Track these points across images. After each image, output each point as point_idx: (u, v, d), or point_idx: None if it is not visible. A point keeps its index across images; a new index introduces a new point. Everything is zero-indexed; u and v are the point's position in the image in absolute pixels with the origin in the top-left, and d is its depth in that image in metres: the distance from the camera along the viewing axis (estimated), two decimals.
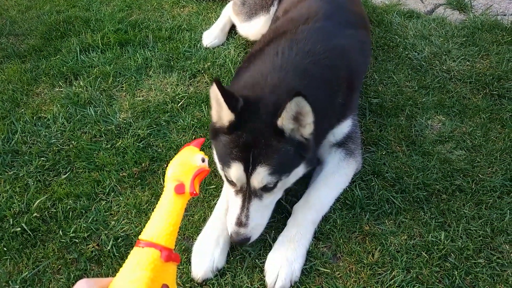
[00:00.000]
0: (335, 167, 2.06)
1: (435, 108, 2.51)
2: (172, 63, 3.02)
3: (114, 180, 2.20)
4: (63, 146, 2.40)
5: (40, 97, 2.80)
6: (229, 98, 1.66)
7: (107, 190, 2.16)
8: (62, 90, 2.81)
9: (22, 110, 2.67)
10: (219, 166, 1.86)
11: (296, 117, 1.66)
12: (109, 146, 2.40)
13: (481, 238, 1.84)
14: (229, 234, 1.80)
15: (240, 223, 1.75)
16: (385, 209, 1.99)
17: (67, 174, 2.24)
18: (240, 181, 1.74)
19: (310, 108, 1.62)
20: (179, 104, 2.65)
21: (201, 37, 3.25)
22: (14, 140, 2.43)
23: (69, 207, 2.06)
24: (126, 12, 3.67)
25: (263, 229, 1.84)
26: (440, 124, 2.42)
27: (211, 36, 3.20)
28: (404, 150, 2.27)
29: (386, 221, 1.95)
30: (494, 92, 2.58)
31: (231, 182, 1.79)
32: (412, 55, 2.92)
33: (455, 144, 2.28)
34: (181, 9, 3.69)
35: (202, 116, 2.56)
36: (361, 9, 2.81)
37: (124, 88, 2.84)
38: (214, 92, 1.68)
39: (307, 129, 1.72)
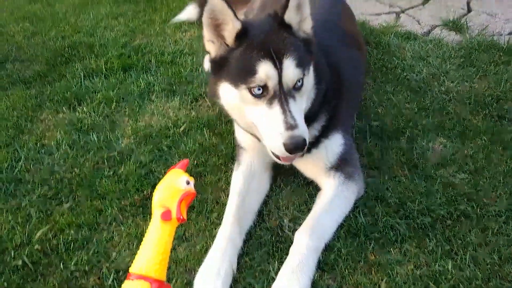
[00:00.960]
0: (334, 192, 1.96)
1: (436, 130, 2.42)
2: (174, 87, 2.96)
3: (116, 209, 2.10)
4: (65, 174, 2.31)
5: (44, 123, 2.72)
6: (232, 7, 1.60)
7: (109, 220, 2.05)
8: (65, 116, 2.74)
9: (26, 137, 2.60)
10: (233, 94, 1.66)
11: (298, 8, 1.63)
12: (111, 173, 2.32)
13: (489, 266, 1.73)
14: (278, 148, 1.58)
15: (290, 127, 1.54)
16: (390, 236, 1.88)
17: (69, 203, 2.14)
18: (273, 80, 1.57)
19: None
20: (181, 128, 2.58)
21: (202, 61, 3.18)
22: (17, 168, 2.35)
23: (70, 238, 1.96)
24: (129, 37, 3.64)
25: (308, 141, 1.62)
26: (441, 146, 2.33)
27: None
28: (407, 174, 2.17)
29: (391, 249, 1.84)
30: (494, 113, 2.49)
31: (258, 92, 1.59)
32: (410, 76, 2.84)
33: (457, 167, 2.19)
34: (183, 34, 3.65)
35: (203, 141, 2.48)
36: (355, 30, 2.75)
37: (127, 113, 2.77)
38: (215, 6, 1.57)
39: (307, 23, 1.68)
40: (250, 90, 1.63)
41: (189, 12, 3.75)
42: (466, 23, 3.44)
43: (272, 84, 1.59)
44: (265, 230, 1.97)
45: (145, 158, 2.38)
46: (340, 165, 2.02)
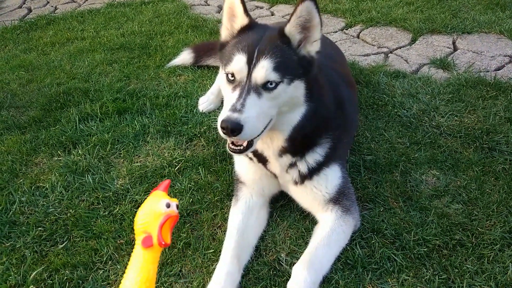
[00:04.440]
0: (332, 225, 2.04)
1: (428, 163, 2.55)
2: (169, 128, 3.09)
3: (112, 248, 2.17)
4: (60, 215, 2.39)
5: (39, 166, 2.83)
6: (244, 4, 1.86)
7: (105, 259, 2.12)
8: (60, 159, 2.85)
9: (21, 180, 2.69)
10: (222, 73, 1.87)
11: (304, 27, 1.74)
12: (106, 213, 2.40)
13: None
14: (219, 125, 1.68)
15: (234, 109, 1.66)
16: (387, 267, 1.96)
17: (64, 244, 2.21)
18: (240, 73, 1.74)
19: (319, 20, 1.72)
20: (176, 168, 2.68)
21: (197, 103, 3.35)
22: (12, 211, 2.43)
23: (66, 278, 2.01)
24: (124, 82, 3.81)
25: (256, 135, 1.74)
26: (434, 178, 2.45)
27: (207, 102, 3.30)
28: (402, 206, 2.27)
29: (389, 279, 1.91)
30: (485, 145, 2.63)
31: (231, 78, 1.78)
32: (401, 112, 3.01)
33: (451, 198, 2.30)
34: (177, 78, 3.84)
35: (199, 179, 2.58)
36: (347, 71, 2.94)
37: (122, 155, 2.88)
38: (233, 1, 1.87)
39: (314, 46, 1.80)
40: (226, 74, 1.83)
41: (184, 57, 3.95)
42: (453, 61, 3.67)
43: (239, 76, 1.77)
44: (262, 264, 2.04)
45: (141, 197, 2.47)
46: (338, 198, 2.11)
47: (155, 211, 1.16)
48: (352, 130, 2.56)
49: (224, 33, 1.96)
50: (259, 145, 2.03)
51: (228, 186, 2.50)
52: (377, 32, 4.51)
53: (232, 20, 1.92)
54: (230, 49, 1.84)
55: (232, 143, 1.83)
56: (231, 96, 1.76)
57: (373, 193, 2.37)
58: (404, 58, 3.90)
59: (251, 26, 1.88)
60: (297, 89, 1.81)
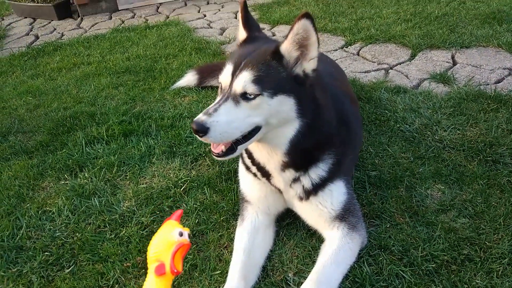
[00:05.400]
0: (339, 243, 2.00)
1: (433, 177, 2.51)
2: (174, 149, 3.08)
3: (118, 271, 2.13)
4: (67, 239, 2.36)
5: (45, 191, 2.82)
6: (246, 18, 1.97)
7: (111, 282, 2.08)
8: (67, 183, 2.84)
9: (28, 205, 2.67)
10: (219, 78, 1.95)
11: (301, 45, 1.74)
12: (113, 236, 2.37)
13: None
14: None
15: (205, 112, 1.74)
16: (395, 284, 1.91)
17: (70, 268, 2.18)
18: (225, 82, 1.82)
19: (316, 38, 1.72)
20: (182, 188, 2.67)
21: None
22: (18, 236, 2.40)
23: None
24: (130, 104, 3.82)
25: (227, 139, 1.78)
26: (440, 193, 2.41)
27: None
28: (408, 222, 2.23)
29: None
30: (488, 158, 2.60)
31: (220, 87, 1.88)
32: (403, 127, 2.99)
33: (458, 212, 2.25)
34: (182, 99, 3.85)
35: (204, 199, 2.56)
36: (349, 88, 2.94)
37: (128, 177, 2.87)
38: (240, 18, 1.99)
39: (311, 64, 1.79)
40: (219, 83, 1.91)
41: (188, 79, 3.98)
42: (453, 76, 3.66)
43: (224, 84, 1.84)
44: (270, 285, 1.99)
45: (147, 219, 2.45)
46: (344, 215, 2.08)
47: (168, 240, 1.18)
48: (357, 146, 2.54)
49: (238, 36, 2.07)
50: (260, 158, 2.03)
51: (233, 206, 2.47)
52: (376, 49, 4.52)
53: (239, 29, 2.03)
54: (227, 60, 1.92)
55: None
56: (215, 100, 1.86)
57: (379, 209, 2.33)
58: (404, 73, 3.89)
59: (250, 39, 1.95)
60: (283, 104, 1.80)
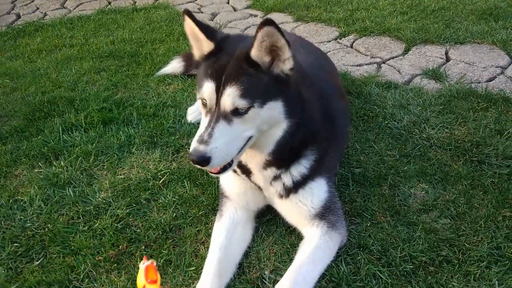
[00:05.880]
0: (317, 242, 2.02)
1: (417, 176, 2.54)
2: (155, 139, 3.07)
3: (90, 264, 2.14)
4: (38, 230, 2.36)
5: (18, 178, 2.80)
6: (205, 28, 1.84)
7: (82, 276, 2.09)
8: (41, 171, 2.82)
9: None
10: (197, 93, 1.88)
11: (271, 50, 1.72)
12: (86, 228, 2.37)
13: None
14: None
15: (201, 141, 1.71)
16: (372, 285, 1.93)
17: (40, 260, 2.18)
18: (210, 100, 1.76)
19: (284, 41, 1.69)
20: (161, 180, 2.66)
21: (185, 113, 3.33)
22: None
23: None
24: (111, 91, 3.79)
25: (228, 160, 1.80)
26: (423, 192, 2.44)
27: (196, 112, 3.28)
28: (389, 221, 2.26)
29: None
30: (474, 159, 2.63)
31: (204, 104, 1.82)
32: (391, 124, 3.01)
33: (440, 213, 2.28)
34: (167, 87, 3.83)
35: (184, 192, 2.56)
36: (339, 82, 2.94)
37: (105, 167, 2.86)
38: (189, 25, 1.84)
39: (287, 65, 1.77)
40: (200, 99, 1.85)
41: (174, 66, 3.95)
42: (445, 72, 3.68)
43: (209, 103, 1.79)
44: (245, 282, 2.01)
45: (122, 211, 2.44)
46: (324, 214, 2.09)
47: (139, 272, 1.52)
48: (342, 143, 2.55)
49: (195, 53, 1.94)
50: (242, 157, 2.02)
51: (213, 200, 2.47)
52: (370, 42, 4.52)
53: (198, 42, 1.89)
54: (201, 74, 1.84)
55: None
56: (202, 122, 1.81)
57: (360, 207, 2.35)
58: (396, 68, 3.90)
59: (219, 49, 1.84)
60: (273, 109, 1.81)
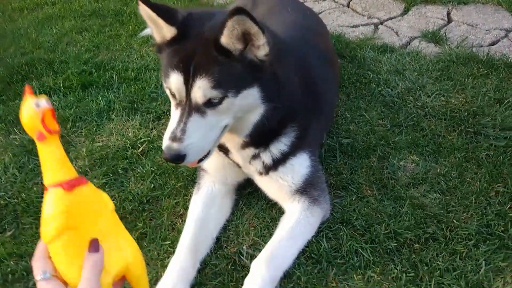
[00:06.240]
0: (298, 217, 1.95)
1: (409, 147, 2.43)
2: (136, 105, 2.96)
3: None
4: (11, 199, 2.29)
5: None
6: (164, 12, 1.62)
7: None
8: (17, 137, 2.72)
9: None
10: (163, 82, 1.73)
11: (244, 37, 1.59)
12: None
13: None
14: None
15: (174, 138, 1.61)
16: (353, 262, 1.88)
17: (12, 231, 2.12)
18: (179, 93, 1.63)
19: (258, 28, 1.54)
20: (140, 149, 2.57)
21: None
22: None
23: (9, 269, 1.93)
24: (93, 52, 3.65)
25: (205, 153, 1.72)
26: (413, 165, 2.34)
27: None
28: (376, 195, 2.18)
29: (354, 275, 1.83)
30: (470, 129, 2.51)
31: (172, 95, 1.68)
32: (385, 91, 2.87)
33: (429, 187, 2.20)
34: (150, 48, 3.67)
35: (163, 162, 2.47)
36: (329, 47, 2.79)
37: (83, 134, 2.76)
38: (144, 11, 1.64)
39: (261, 51, 1.63)
40: (167, 87, 1.70)
41: None
42: (445, 35, 3.50)
43: (178, 95, 1.64)
44: (222, 258, 1.96)
45: (99, 181, 2.37)
46: (306, 189, 2.02)
47: (31, 114, 1.16)
48: (328, 114, 2.44)
49: (156, 37, 1.75)
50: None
51: (194, 171, 2.38)
52: (368, 0, 4.30)
53: (157, 27, 1.69)
54: (166, 61, 1.67)
55: None
56: (173, 115, 1.68)
57: (346, 180, 2.27)
58: (394, 30, 3.73)
59: (182, 34, 1.64)
60: (248, 97, 1.69)
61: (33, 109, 1.17)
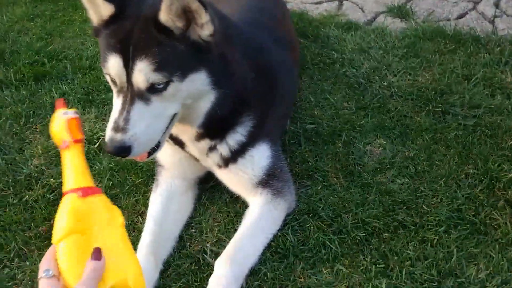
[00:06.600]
0: (260, 211, 1.88)
1: (375, 131, 2.37)
2: (91, 96, 2.82)
3: (20, 242, 1.96)
4: None
5: None
6: None
7: (12, 255, 1.92)
8: None
9: None
10: (102, 67, 1.61)
11: (185, 14, 1.47)
12: (16, 200, 2.17)
13: (427, 282, 1.68)
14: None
15: (116, 128, 1.50)
16: (321, 255, 1.82)
17: None
18: (119, 78, 1.51)
19: (198, 4, 1.43)
20: (96, 144, 2.44)
21: None
22: None
23: None
24: (45, 41, 3.46)
25: (153, 145, 1.60)
26: (380, 149, 2.28)
27: None
28: (342, 182, 2.12)
29: (322, 269, 1.78)
30: (438, 109, 2.46)
31: (113, 81, 1.56)
32: (350, 72, 2.79)
33: (397, 172, 2.14)
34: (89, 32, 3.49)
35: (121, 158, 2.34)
36: (287, 28, 2.66)
37: (38, 130, 2.62)
38: None
39: (205, 30, 1.52)
40: (106, 73, 1.58)
41: None
42: (411, 9, 3.43)
43: (119, 81, 1.52)
44: (185, 257, 1.88)
45: (55, 181, 2.24)
46: (268, 181, 1.95)
47: (59, 123, 1.32)
48: (287, 100, 2.33)
49: (93, 18, 1.61)
50: (173, 130, 1.81)
51: (154, 166, 2.27)
52: None
53: (94, 5, 1.55)
54: (103, 44, 1.54)
55: None
56: (115, 104, 1.55)
57: (312, 168, 2.20)
58: (359, 5, 3.63)
59: (120, 12, 1.52)
60: (196, 82, 1.57)
61: (60, 117, 1.32)
